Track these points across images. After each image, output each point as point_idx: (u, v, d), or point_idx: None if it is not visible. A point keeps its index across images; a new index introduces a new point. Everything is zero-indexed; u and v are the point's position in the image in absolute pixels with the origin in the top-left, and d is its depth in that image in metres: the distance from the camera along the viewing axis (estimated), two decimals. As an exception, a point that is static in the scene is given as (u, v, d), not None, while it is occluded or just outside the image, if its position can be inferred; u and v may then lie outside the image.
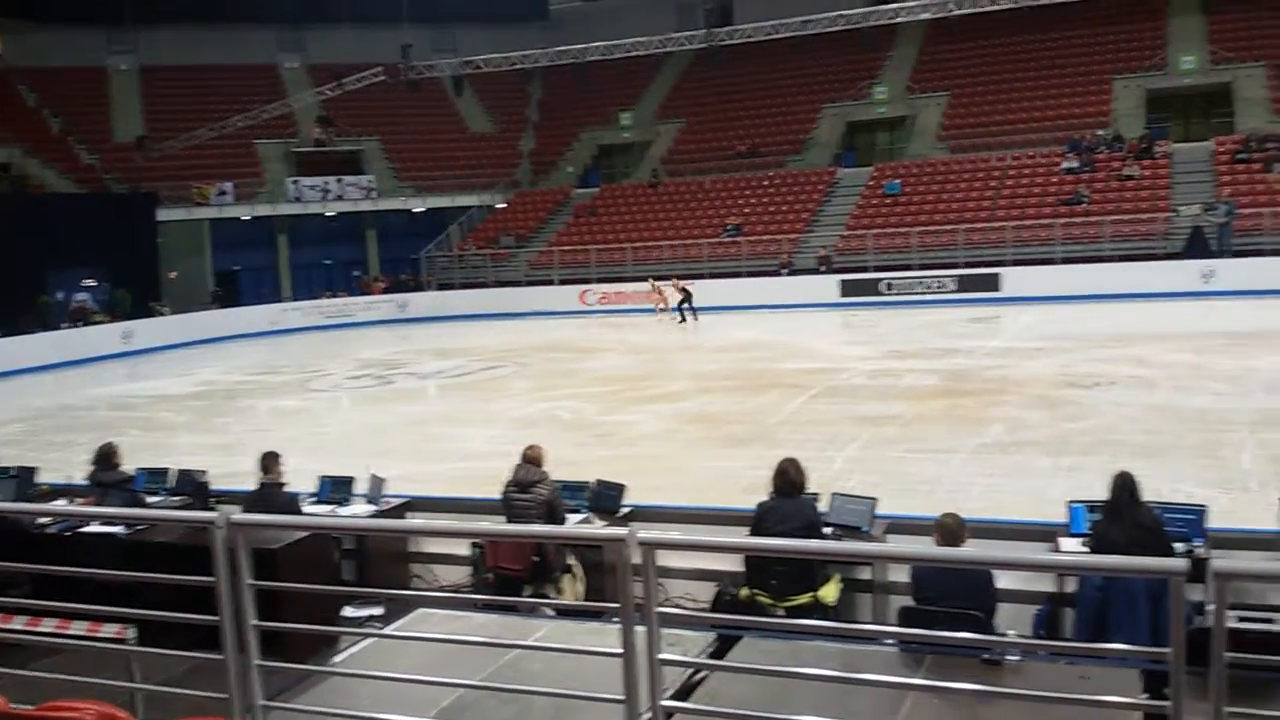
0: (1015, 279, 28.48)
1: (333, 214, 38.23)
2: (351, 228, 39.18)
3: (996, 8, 37.45)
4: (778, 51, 40.26)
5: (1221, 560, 3.74)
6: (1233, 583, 3.95)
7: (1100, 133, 33.01)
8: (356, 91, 38.94)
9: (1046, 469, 11.16)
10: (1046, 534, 7.03)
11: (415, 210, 39.52)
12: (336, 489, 9.02)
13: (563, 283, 34.41)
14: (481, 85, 43.53)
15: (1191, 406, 14.09)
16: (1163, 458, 11.12)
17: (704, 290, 31.05)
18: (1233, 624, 5.31)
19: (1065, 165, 32.03)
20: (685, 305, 28.99)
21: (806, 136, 38.59)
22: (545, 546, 7.35)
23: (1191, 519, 6.60)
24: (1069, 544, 6.69)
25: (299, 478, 9.07)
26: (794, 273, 31.89)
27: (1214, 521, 6.86)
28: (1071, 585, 6.28)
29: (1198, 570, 3.26)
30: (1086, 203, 30.13)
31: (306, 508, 8.61)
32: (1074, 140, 32.65)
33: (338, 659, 4.67)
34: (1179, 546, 6.25)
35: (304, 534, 5.83)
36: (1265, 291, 25.01)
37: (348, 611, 6.84)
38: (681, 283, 29.52)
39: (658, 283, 29.94)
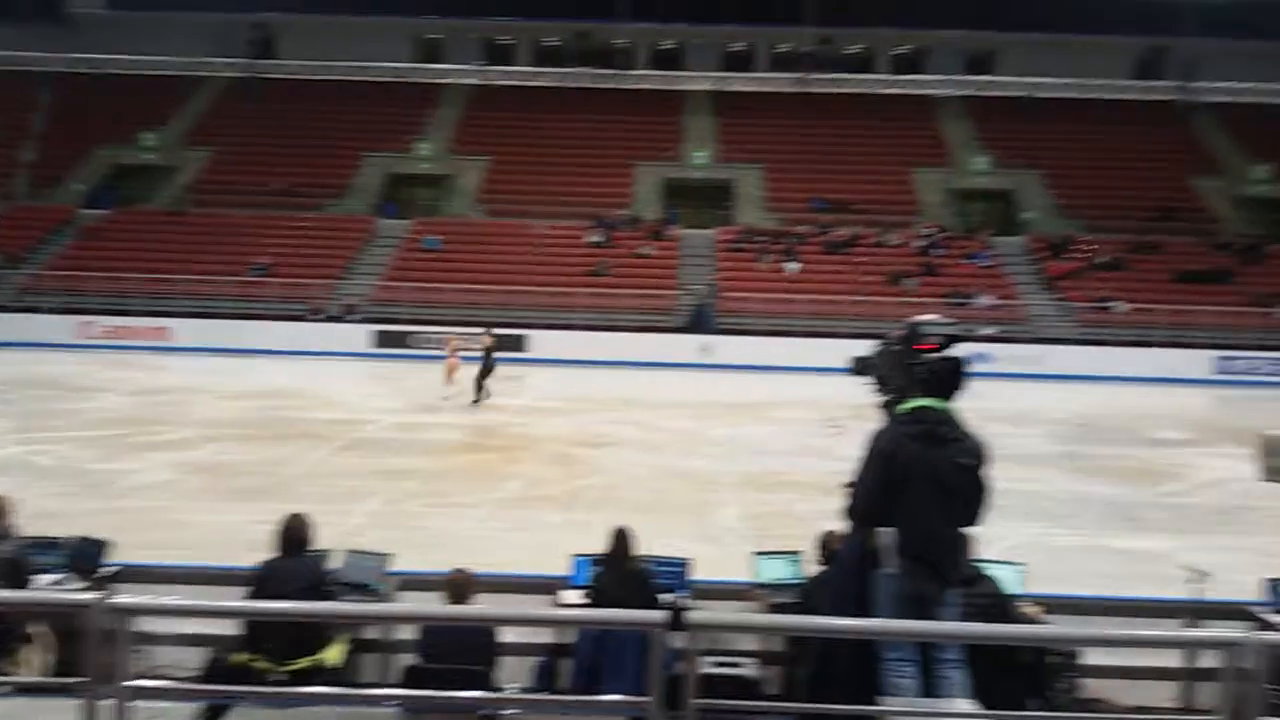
0: (541, 341, 29.81)
1: None
2: None
3: (535, 84, 39.62)
4: (323, 93, 39.48)
5: (697, 612, 4.06)
6: (707, 632, 4.31)
7: (621, 212, 35.80)
8: None
9: (559, 523, 11.66)
10: (552, 587, 7.28)
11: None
12: None
13: (58, 311, 30.72)
14: (-25, 83, 38.29)
15: (686, 467, 15.48)
16: (659, 513, 12.03)
17: (226, 330, 29.34)
18: (709, 670, 5.82)
19: (590, 239, 34.29)
20: (484, 370, 20.85)
21: (347, 182, 37.98)
22: (3, 612, 6.37)
23: (677, 571, 7.16)
24: (570, 596, 6.97)
25: None
26: (327, 319, 31.05)
27: (698, 573, 7.49)
28: (572, 636, 6.54)
29: (679, 620, 3.50)
30: (606, 275, 32.38)
31: None
32: (598, 217, 35.08)
33: None
34: (666, 597, 6.73)
35: None
36: (753, 366, 28.26)
37: None
38: (494, 334, 21.83)
39: (456, 342, 21.61)
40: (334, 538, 7.55)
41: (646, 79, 41.69)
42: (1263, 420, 16.06)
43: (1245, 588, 7.28)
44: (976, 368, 4.51)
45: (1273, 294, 31.12)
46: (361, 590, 7.07)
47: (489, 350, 21.04)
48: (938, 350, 4.34)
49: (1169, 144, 38.76)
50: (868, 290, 30.96)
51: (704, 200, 37.96)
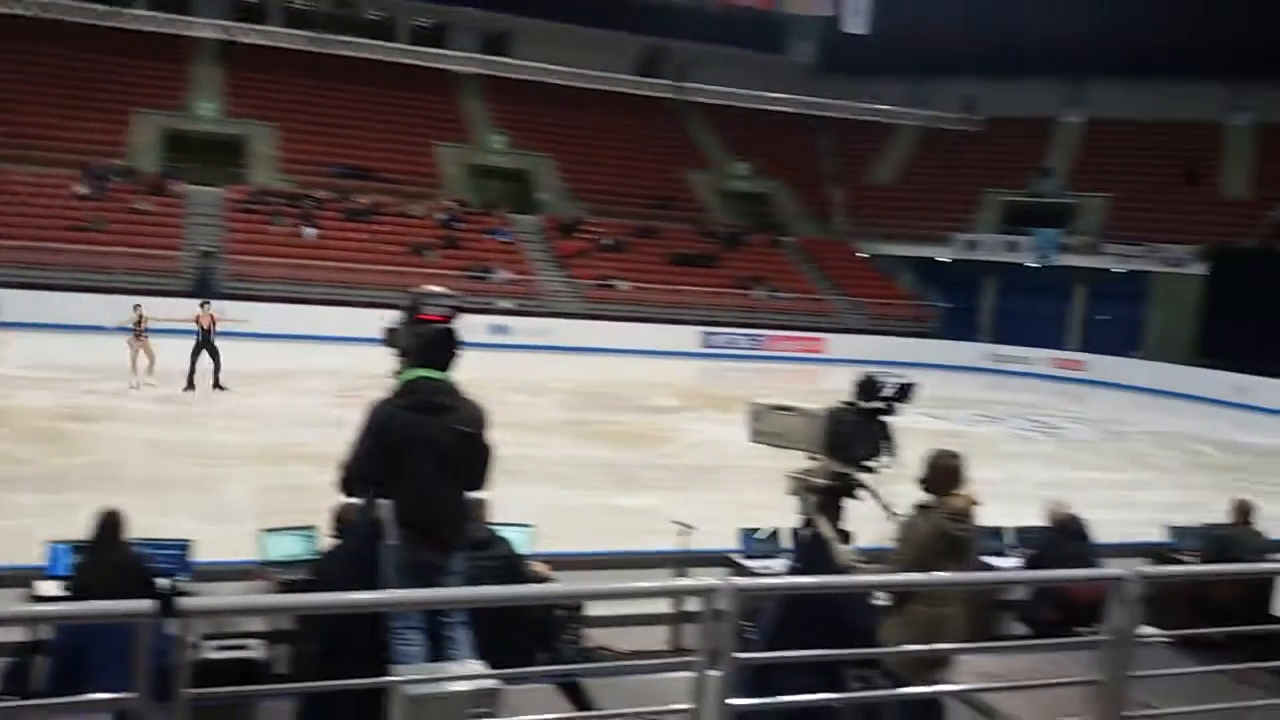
0: (14, 303, 26.16)
1: None
2: None
3: (10, 12, 34.63)
4: None
5: (190, 597, 3.80)
6: (203, 617, 4.02)
7: (116, 162, 32.42)
8: None
9: (39, 507, 10.42)
10: (24, 578, 6.49)
11: None
12: None
13: None
14: None
15: (193, 441, 14.48)
16: (159, 492, 11.16)
17: None
18: (212, 655, 5.49)
19: (78, 190, 30.66)
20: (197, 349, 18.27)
21: None
22: None
23: (176, 554, 6.67)
24: (47, 587, 6.26)
25: None
26: None
27: (202, 554, 7.02)
28: (49, 632, 5.86)
29: (170, 607, 3.23)
30: (103, 230, 29.20)
31: None
32: (88, 166, 31.47)
33: None
34: (164, 583, 6.24)
35: None
36: (268, 335, 26.74)
37: None
38: (212, 311, 18.85)
39: (143, 313, 18.49)
40: None
41: (145, 20, 37.89)
42: (739, 388, 18.17)
43: (725, 538, 8.18)
44: (495, 339, 4.64)
45: (750, 277, 35.34)
46: None
47: (206, 327, 18.45)
48: (443, 321, 4.40)
49: (665, 138, 42.40)
50: (389, 260, 30.73)
51: (212, 156, 35.43)
